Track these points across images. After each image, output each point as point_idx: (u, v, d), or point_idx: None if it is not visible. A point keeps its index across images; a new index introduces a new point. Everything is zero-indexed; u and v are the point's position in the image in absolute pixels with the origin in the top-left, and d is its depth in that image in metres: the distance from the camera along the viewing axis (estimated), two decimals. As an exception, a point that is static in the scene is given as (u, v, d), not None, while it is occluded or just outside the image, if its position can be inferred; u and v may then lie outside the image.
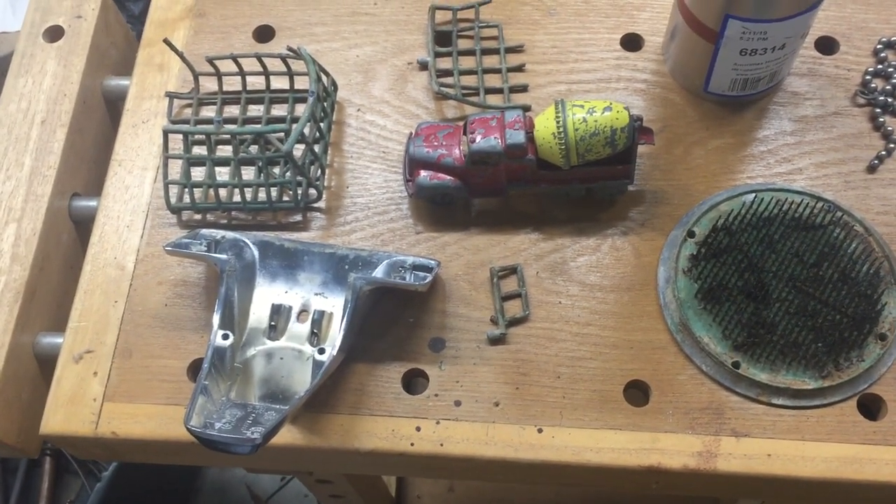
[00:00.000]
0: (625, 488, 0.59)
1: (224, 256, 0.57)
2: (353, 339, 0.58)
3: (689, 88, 0.67)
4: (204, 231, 0.61)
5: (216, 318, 0.55)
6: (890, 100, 0.66)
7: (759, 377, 0.56)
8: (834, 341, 0.57)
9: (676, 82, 0.68)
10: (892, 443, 0.55)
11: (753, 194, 0.62)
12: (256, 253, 0.60)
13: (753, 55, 0.61)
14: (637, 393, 0.58)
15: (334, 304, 0.59)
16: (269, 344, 0.58)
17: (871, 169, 0.64)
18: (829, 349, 0.56)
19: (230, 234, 0.61)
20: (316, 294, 0.60)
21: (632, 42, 0.70)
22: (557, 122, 0.58)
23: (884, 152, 0.64)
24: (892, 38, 0.68)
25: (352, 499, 0.93)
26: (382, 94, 0.68)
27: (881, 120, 0.65)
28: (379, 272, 0.59)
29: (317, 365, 0.54)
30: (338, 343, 0.54)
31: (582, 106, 0.58)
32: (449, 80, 0.68)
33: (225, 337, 0.55)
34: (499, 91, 0.68)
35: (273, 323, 0.58)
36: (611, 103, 0.58)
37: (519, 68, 0.69)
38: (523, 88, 0.68)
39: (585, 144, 0.58)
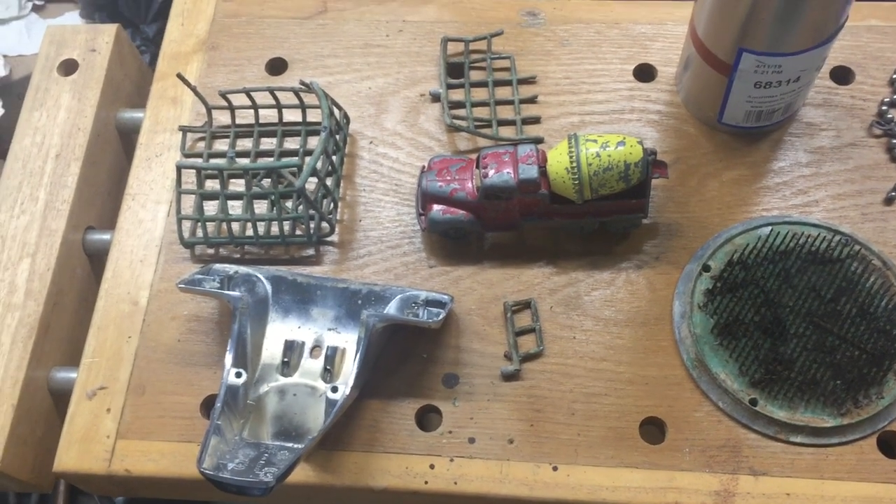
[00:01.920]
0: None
1: (237, 294, 0.57)
2: (367, 375, 0.58)
3: (702, 119, 0.66)
4: (217, 266, 0.61)
5: (229, 357, 0.55)
6: (907, 130, 0.65)
7: (777, 415, 0.55)
8: (853, 378, 0.56)
9: (690, 113, 0.67)
10: (912, 482, 0.54)
11: (769, 227, 0.61)
12: (269, 288, 0.60)
13: (768, 88, 0.60)
14: (653, 430, 0.57)
15: (347, 340, 0.59)
16: (283, 380, 0.58)
17: (889, 201, 0.63)
18: (847, 386, 0.56)
19: (243, 269, 0.61)
20: (329, 329, 0.60)
21: (645, 72, 0.70)
22: (571, 157, 0.57)
23: (901, 183, 0.63)
24: (909, 67, 0.68)
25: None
26: (395, 126, 0.68)
27: (898, 151, 0.64)
28: (392, 308, 0.59)
29: (330, 403, 0.54)
30: (351, 381, 0.54)
31: (595, 140, 0.58)
32: (461, 112, 0.68)
33: (238, 375, 0.55)
34: (511, 123, 0.68)
35: (286, 359, 0.58)
36: (624, 137, 0.57)
37: (531, 100, 0.68)
38: (536, 120, 0.68)
39: (599, 179, 0.57)
